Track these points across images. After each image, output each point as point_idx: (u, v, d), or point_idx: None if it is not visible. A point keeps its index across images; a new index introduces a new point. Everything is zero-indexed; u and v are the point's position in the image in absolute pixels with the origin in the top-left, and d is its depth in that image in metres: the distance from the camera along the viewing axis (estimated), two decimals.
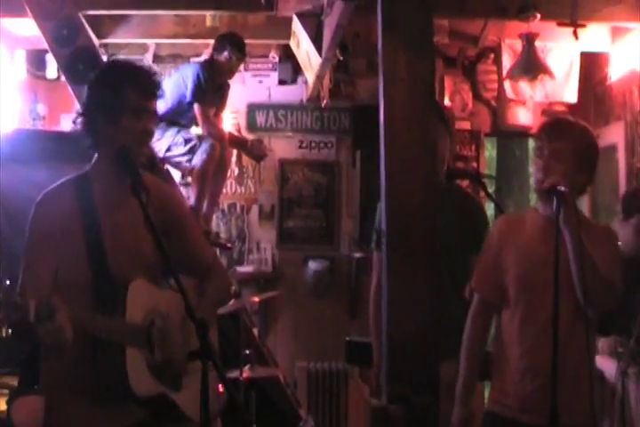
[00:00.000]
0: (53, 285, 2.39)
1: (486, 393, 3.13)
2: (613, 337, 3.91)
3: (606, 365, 3.71)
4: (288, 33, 6.08)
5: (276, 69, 6.75)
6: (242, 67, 6.17)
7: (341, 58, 6.21)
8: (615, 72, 5.87)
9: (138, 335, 2.39)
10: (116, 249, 2.44)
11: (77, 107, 2.65)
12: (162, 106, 5.46)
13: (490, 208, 6.67)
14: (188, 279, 2.55)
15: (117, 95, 2.44)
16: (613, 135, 5.88)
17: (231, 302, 3.98)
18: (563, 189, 2.55)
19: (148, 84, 2.50)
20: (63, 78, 5.14)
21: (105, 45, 6.32)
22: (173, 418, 2.49)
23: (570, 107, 6.20)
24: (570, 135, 2.73)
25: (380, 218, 3.65)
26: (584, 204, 6.23)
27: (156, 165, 4.92)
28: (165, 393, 2.43)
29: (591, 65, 6.16)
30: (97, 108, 2.47)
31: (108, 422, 2.40)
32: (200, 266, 2.68)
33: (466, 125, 6.56)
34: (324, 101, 6.45)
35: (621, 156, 5.76)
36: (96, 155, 2.54)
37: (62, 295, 2.25)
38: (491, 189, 6.32)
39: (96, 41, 5.70)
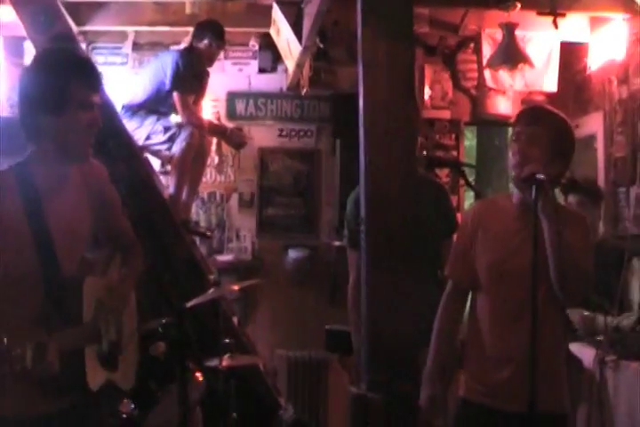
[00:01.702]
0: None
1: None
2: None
3: (584, 353, 3.73)
4: (268, 21, 6.06)
5: (256, 58, 6.73)
6: (222, 55, 6.14)
7: (321, 46, 6.20)
8: (594, 62, 5.90)
9: (92, 333, 2.44)
10: (63, 239, 2.42)
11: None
12: (141, 94, 5.48)
13: (469, 197, 6.71)
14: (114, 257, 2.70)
15: (62, 88, 2.35)
16: (592, 125, 5.91)
17: (210, 290, 3.97)
18: (541, 177, 2.53)
19: (93, 76, 2.43)
20: None
21: (84, 33, 6.27)
22: (108, 392, 2.58)
23: (549, 96, 6.23)
24: (546, 121, 2.72)
25: (356, 208, 3.67)
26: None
27: (134, 153, 4.89)
28: (109, 378, 2.51)
29: (571, 55, 6.18)
30: (38, 100, 2.36)
31: (51, 404, 2.41)
32: (124, 242, 2.77)
33: (446, 114, 6.57)
34: (304, 90, 6.44)
35: (600, 145, 5.80)
36: (33, 146, 2.45)
37: (11, 293, 2.29)
38: (470, 178, 6.34)
39: (75, 28, 5.65)
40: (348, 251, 3.88)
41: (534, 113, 2.79)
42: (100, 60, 6.48)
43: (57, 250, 2.39)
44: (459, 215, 4.37)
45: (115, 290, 2.58)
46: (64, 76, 2.35)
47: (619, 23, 5.54)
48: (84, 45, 6.08)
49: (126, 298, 2.69)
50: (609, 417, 3.47)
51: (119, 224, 2.74)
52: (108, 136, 4.20)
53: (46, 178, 2.44)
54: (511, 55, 5.73)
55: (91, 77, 2.42)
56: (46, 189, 2.42)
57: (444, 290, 2.91)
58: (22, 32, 4.84)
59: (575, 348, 3.74)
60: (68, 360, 2.29)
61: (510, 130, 3.13)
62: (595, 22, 5.86)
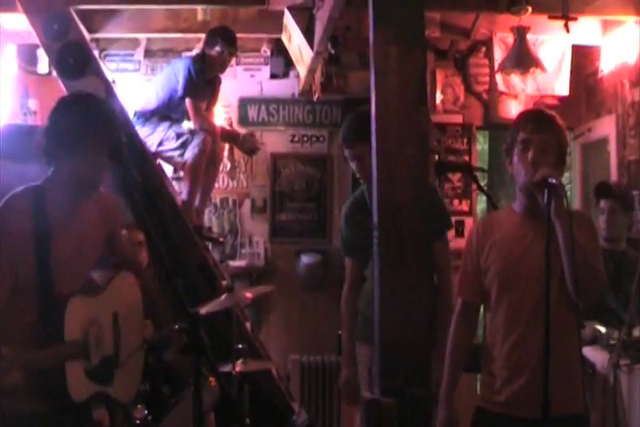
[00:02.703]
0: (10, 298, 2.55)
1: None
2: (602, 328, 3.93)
3: (598, 356, 3.72)
4: (280, 27, 6.07)
5: (267, 63, 6.74)
6: (233, 61, 6.15)
7: (333, 51, 6.21)
8: (606, 65, 5.88)
9: (77, 349, 2.60)
10: (66, 262, 2.64)
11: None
12: (153, 100, 5.51)
13: (481, 201, 6.69)
14: (124, 276, 2.93)
15: (82, 137, 2.62)
16: (605, 128, 5.89)
17: (223, 296, 3.98)
18: (554, 181, 2.54)
19: (109, 128, 2.65)
20: (54, 73, 5.11)
21: (96, 40, 6.31)
22: (108, 406, 2.82)
23: (561, 100, 6.21)
24: (554, 128, 2.72)
25: (352, 217, 3.69)
26: (576, 196, 6.26)
27: (147, 159, 4.91)
28: (100, 391, 2.68)
29: (582, 58, 6.17)
30: (59, 137, 2.66)
31: (53, 402, 2.58)
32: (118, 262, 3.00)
33: (457, 119, 6.56)
34: (316, 95, 6.45)
35: (613, 148, 5.78)
36: (52, 170, 2.70)
37: (14, 309, 2.52)
38: (483, 182, 6.33)
39: (87, 36, 5.68)
40: (345, 260, 3.90)
41: (542, 119, 2.76)
42: (112, 66, 6.52)
43: (55, 272, 2.59)
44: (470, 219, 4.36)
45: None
46: (83, 126, 2.62)
47: (631, 26, 5.52)
48: (96, 53, 6.11)
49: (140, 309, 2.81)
50: (623, 421, 3.46)
51: (118, 247, 2.97)
52: (121, 143, 4.22)
53: (59, 203, 2.66)
54: (523, 59, 5.72)
55: (104, 132, 2.63)
56: (57, 213, 2.65)
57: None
58: (35, 40, 4.89)
59: (588, 352, 3.72)
60: (48, 374, 2.51)
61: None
62: (607, 25, 5.84)
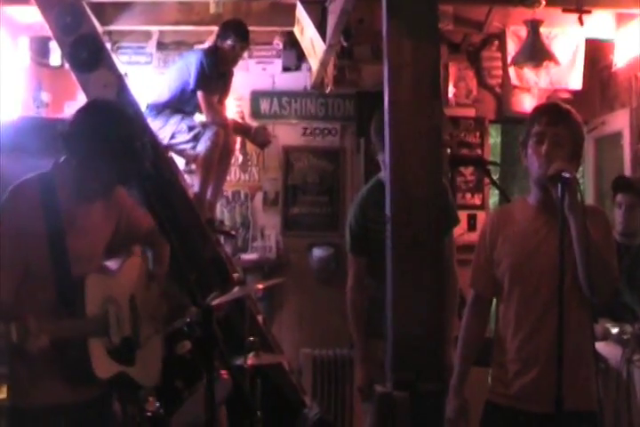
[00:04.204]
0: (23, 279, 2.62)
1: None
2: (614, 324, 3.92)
3: (611, 352, 3.71)
4: (292, 20, 6.06)
5: (280, 56, 6.73)
6: (246, 54, 6.13)
7: (345, 44, 6.19)
8: (620, 59, 5.86)
9: (97, 326, 2.67)
10: (77, 250, 2.69)
11: (81, 95, 2.84)
12: (165, 93, 5.51)
13: (494, 195, 6.68)
14: (134, 260, 3.03)
15: (93, 148, 2.67)
16: (619, 122, 5.87)
17: (235, 288, 3.98)
18: (568, 175, 2.52)
19: (123, 143, 2.70)
20: (67, 66, 5.12)
21: (109, 33, 6.31)
22: (130, 386, 2.87)
23: (575, 93, 6.18)
24: (570, 121, 2.71)
25: (361, 215, 3.69)
26: (590, 190, 6.23)
27: (159, 152, 4.91)
28: (122, 371, 2.74)
29: (596, 51, 6.14)
30: (75, 142, 2.70)
31: (78, 395, 2.69)
32: (152, 241, 3.13)
33: (470, 112, 6.54)
34: (329, 88, 6.44)
35: (627, 142, 5.75)
36: (63, 158, 2.77)
37: (28, 289, 2.59)
38: (495, 176, 6.30)
39: (99, 28, 5.68)
40: (349, 255, 3.88)
41: (557, 113, 2.74)
42: (124, 59, 6.52)
43: (71, 261, 2.64)
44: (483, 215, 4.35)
45: (150, 289, 2.92)
46: (96, 140, 2.66)
47: None
48: (109, 45, 6.11)
49: (157, 297, 2.86)
50: (636, 416, 3.45)
51: (142, 229, 3.05)
52: (134, 136, 4.22)
53: (69, 194, 2.71)
54: (536, 52, 5.70)
55: (121, 144, 2.69)
56: (66, 200, 2.70)
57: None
58: (48, 32, 4.89)
59: (601, 347, 3.71)
60: (72, 349, 2.57)
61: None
62: (620, 19, 5.82)
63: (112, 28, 6.17)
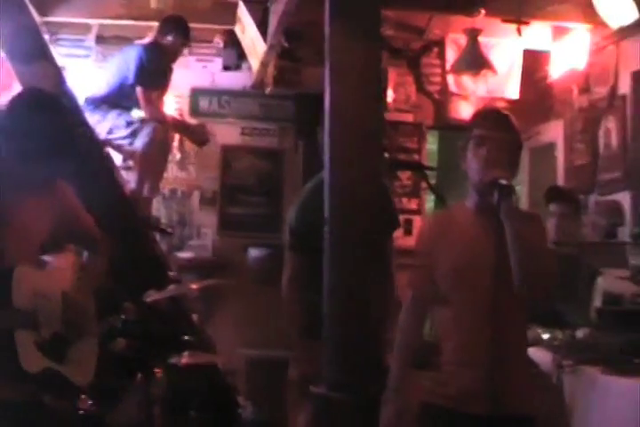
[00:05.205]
0: None
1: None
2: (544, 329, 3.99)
3: (542, 357, 3.77)
4: (233, 18, 6.05)
5: (220, 55, 6.71)
6: (186, 51, 6.10)
7: (286, 45, 6.20)
8: (556, 70, 5.97)
9: (25, 319, 2.62)
10: (8, 243, 2.67)
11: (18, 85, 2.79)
12: (104, 87, 5.43)
13: (430, 200, 6.75)
14: (67, 256, 2.97)
15: (32, 146, 2.67)
16: (553, 133, 6.00)
17: (171, 287, 3.95)
18: (504, 182, 2.56)
19: (59, 135, 2.71)
20: (3, 55, 5.01)
21: (47, 24, 6.18)
22: (62, 384, 2.79)
23: (511, 103, 6.28)
24: (511, 127, 2.72)
25: (302, 215, 3.71)
26: (524, 199, 6.34)
27: (97, 147, 4.85)
28: (52, 367, 2.69)
29: (533, 62, 6.25)
30: (7, 145, 2.71)
31: (7, 392, 2.63)
32: (88, 240, 3.05)
33: (409, 118, 6.59)
34: (268, 89, 6.43)
35: (560, 153, 5.88)
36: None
37: None
38: (432, 181, 6.38)
39: (38, 19, 5.57)
40: (287, 254, 3.89)
41: (498, 118, 2.75)
42: (62, 52, 6.39)
43: (8, 254, 2.64)
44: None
45: (79, 284, 2.84)
46: (30, 131, 2.66)
47: (580, 33, 5.61)
48: (47, 36, 6.00)
49: (89, 291, 2.82)
50: (565, 420, 3.52)
51: (79, 223, 2.98)
52: (70, 128, 4.16)
53: (14, 177, 2.67)
54: (474, 61, 5.79)
55: (49, 142, 2.68)
56: (11, 187, 2.66)
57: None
58: None
59: (532, 352, 3.77)
60: None
61: None
62: (557, 31, 5.93)
63: (50, 19, 6.06)
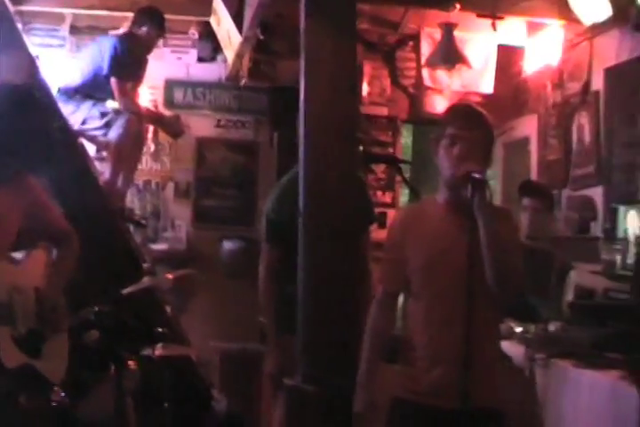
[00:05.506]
0: None
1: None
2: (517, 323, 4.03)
3: (515, 350, 3.80)
4: (209, 10, 6.02)
5: (195, 46, 6.69)
6: (160, 42, 6.07)
7: (262, 38, 6.18)
8: (530, 66, 6.00)
9: (2, 312, 2.63)
10: None
11: None
12: (78, 78, 5.40)
13: (404, 194, 6.78)
14: (39, 253, 2.93)
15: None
16: (527, 128, 6.03)
17: (145, 278, 3.94)
18: (478, 175, 2.57)
19: (32, 127, 2.74)
20: None
21: (20, 13, 6.11)
22: (37, 381, 2.80)
23: (486, 97, 6.30)
24: (483, 125, 2.73)
25: (279, 205, 3.71)
26: (498, 194, 6.38)
27: (70, 137, 4.82)
28: (29, 362, 2.71)
29: (508, 57, 6.27)
30: None
31: None
32: (56, 234, 3.03)
33: (383, 111, 6.59)
34: (243, 81, 6.42)
35: (534, 148, 5.92)
36: None
37: None
38: (406, 175, 6.39)
39: (12, 8, 5.52)
40: (263, 246, 3.89)
41: (471, 116, 2.75)
42: (36, 41, 6.33)
43: None
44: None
45: (51, 280, 2.84)
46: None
47: (555, 29, 5.64)
48: (20, 26, 5.94)
49: (59, 290, 2.81)
50: (537, 413, 3.55)
51: (48, 219, 2.98)
52: (44, 120, 4.13)
53: None
54: (449, 55, 5.80)
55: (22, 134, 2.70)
56: None
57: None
58: None
59: (505, 345, 3.80)
60: None
61: None
62: (532, 27, 5.95)
63: (24, 8, 5.99)
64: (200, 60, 6.70)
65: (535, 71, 5.92)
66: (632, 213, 4.58)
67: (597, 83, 5.15)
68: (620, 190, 4.80)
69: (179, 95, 6.64)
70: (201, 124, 6.64)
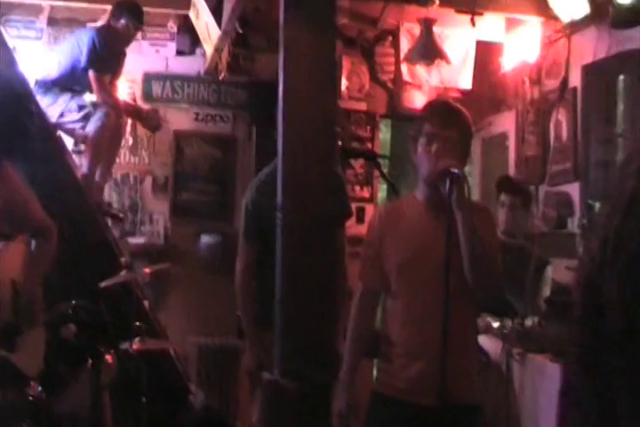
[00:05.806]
0: None
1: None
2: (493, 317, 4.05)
3: (492, 345, 3.82)
4: (188, 3, 6.00)
5: (173, 39, 6.65)
6: (139, 35, 6.05)
7: (241, 32, 6.16)
8: (508, 62, 6.02)
9: None
10: None
11: None
12: (55, 70, 5.36)
13: (382, 189, 6.79)
14: (17, 245, 2.92)
15: None
16: (505, 123, 6.07)
17: (122, 272, 3.93)
18: (456, 171, 2.56)
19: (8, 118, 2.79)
20: None
21: None
22: (12, 374, 2.81)
23: (464, 93, 6.32)
24: (461, 124, 2.73)
25: (259, 200, 3.70)
26: (476, 189, 6.42)
27: (47, 130, 4.78)
28: (5, 356, 2.73)
29: (486, 53, 6.29)
30: None
31: None
32: (35, 226, 3.04)
33: (362, 106, 6.59)
34: (222, 75, 6.40)
35: (512, 143, 5.95)
36: None
37: None
38: (385, 170, 6.40)
39: None
40: (241, 241, 3.88)
41: (449, 114, 2.75)
42: (13, 33, 6.28)
43: None
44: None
45: (28, 273, 2.84)
46: None
47: (533, 25, 5.66)
48: None
49: (37, 283, 2.79)
50: (514, 408, 3.57)
51: (27, 210, 2.98)
52: (22, 112, 4.11)
53: None
54: (428, 51, 5.80)
55: None
56: None
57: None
58: None
59: (482, 340, 3.83)
60: None
61: None
62: (510, 23, 5.97)
63: None
64: (179, 53, 6.67)
65: (513, 67, 5.94)
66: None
67: (575, 80, 5.18)
68: (596, 187, 4.84)
69: (157, 89, 6.61)
70: (179, 118, 6.61)
